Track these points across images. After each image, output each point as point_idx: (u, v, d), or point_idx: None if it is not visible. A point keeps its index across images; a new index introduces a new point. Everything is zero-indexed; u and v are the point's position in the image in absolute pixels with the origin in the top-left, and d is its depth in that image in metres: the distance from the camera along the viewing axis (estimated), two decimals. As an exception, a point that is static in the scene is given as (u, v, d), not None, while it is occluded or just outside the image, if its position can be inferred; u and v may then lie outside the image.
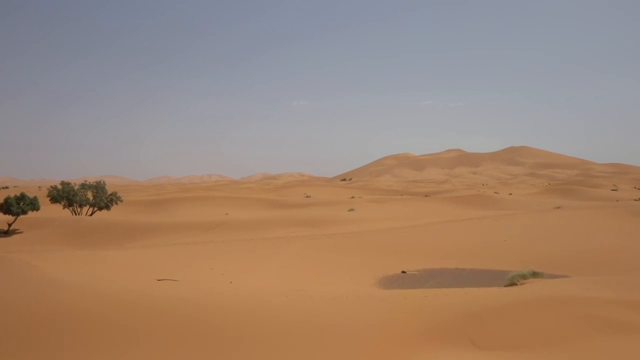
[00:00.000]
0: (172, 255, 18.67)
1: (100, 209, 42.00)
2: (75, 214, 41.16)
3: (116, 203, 42.64)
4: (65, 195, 39.26)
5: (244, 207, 59.88)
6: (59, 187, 40.18)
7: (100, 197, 41.11)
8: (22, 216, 32.20)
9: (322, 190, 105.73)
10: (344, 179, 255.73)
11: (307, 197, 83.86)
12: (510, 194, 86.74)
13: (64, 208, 41.06)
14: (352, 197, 72.42)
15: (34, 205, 32.16)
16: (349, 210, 43.58)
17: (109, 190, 43.20)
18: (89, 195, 41.42)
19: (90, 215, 42.16)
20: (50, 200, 40.20)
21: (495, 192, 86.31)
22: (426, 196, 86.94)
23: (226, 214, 48.51)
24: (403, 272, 20.32)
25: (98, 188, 41.38)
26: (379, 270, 20.29)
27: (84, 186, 41.45)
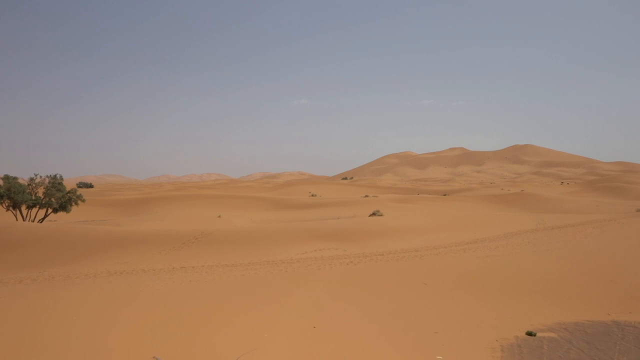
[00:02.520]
0: (90, 308, 9.33)
1: (55, 210, 32.58)
2: (23, 218, 31.80)
3: (76, 203, 33.21)
4: (5, 194, 29.83)
5: (242, 208, 50.51)
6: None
7: (55, 196, 31.66)
8: None
9: (327, 188, 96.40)
10: (345, 178, 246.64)
11: (312, 195, 74.77)
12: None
13: (7, 210, 31.64)
14: (366, 196, 63.08)
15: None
16: (370, 215, 34.13)
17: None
18: (40, 193, 32.03)
19: (42, 219, 32.74)
20: (-12, 199, 30.81)
21: (522, 190, 77.69)
22: (444, 195, 77.83)
23: (219, 216, 39.18)
24: (529, 333, 10.89)
25: (51, 185, 31.90)
26: (483, 329, 10.89)
27: (33, 181, 31.93)
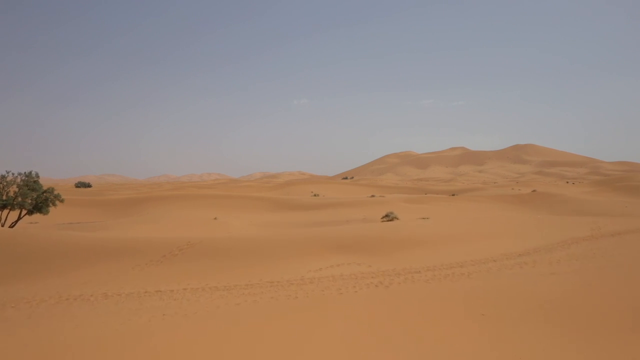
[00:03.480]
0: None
1: (30, 212, 28.96)
2: (-7, 221, 28.14)
3: (53, 204, 29.64)
4: (-30, 193, 26.17)
5: (241, 208, 46.87)
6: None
7: (28, 196, 28.06)
8: None
9: (329, 188, 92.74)
10: (345, 178, 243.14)
11: (315, 195, 71.14)
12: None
13: (-26, 212, 28.02)
14: (373, 196, 59.45)
15: None
16: (384, 217, 30.43)
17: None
18: (13, 193, 28.44)
19: (14, 223, 29.07)
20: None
21: (534, 190, 74.27)
22: (453, 195, 74.23)
23: (215, 218, 35.57)
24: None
25: (23, 184, 28.27)
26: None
27: (4, 179, 28.30)
